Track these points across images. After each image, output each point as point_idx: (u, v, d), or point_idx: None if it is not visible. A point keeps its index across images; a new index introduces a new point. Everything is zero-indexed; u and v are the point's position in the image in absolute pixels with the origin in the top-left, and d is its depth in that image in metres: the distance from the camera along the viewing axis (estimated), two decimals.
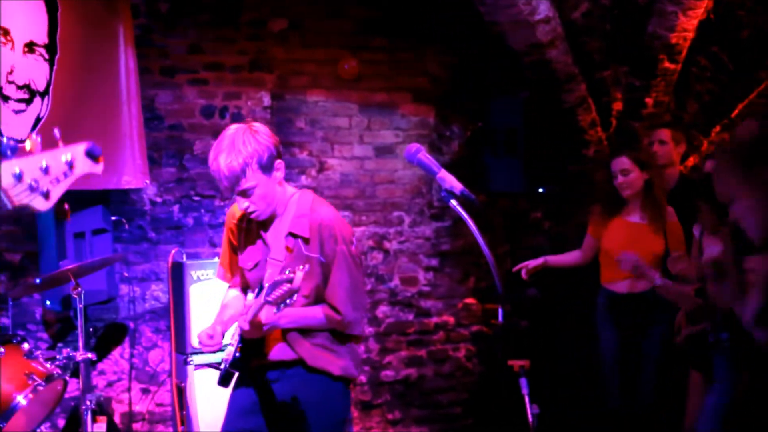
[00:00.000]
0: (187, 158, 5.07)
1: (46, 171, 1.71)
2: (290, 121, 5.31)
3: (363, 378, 5.44)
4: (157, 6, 5.03)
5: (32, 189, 1.69)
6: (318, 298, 2.87)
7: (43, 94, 4.03)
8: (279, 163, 2.82)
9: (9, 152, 1.72)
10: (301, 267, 2.58)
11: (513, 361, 2.85)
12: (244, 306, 2.92)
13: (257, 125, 2.85)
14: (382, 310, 5.51)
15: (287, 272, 2.58)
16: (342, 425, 2.97)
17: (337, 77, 5.39)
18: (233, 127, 2.83)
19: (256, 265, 2.93)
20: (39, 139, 1.74)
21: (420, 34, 5.53)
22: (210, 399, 4.35)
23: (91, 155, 1.81)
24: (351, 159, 5.46)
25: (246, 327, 2.71)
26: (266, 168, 2.76)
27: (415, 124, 5.60)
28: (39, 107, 3.99)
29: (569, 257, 4.78)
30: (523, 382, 2.77)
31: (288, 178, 5.21)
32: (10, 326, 4.64)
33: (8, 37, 3.78)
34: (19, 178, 1.67)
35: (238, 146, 2.73)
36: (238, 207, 2.88)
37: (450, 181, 2.44)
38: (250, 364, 2.88)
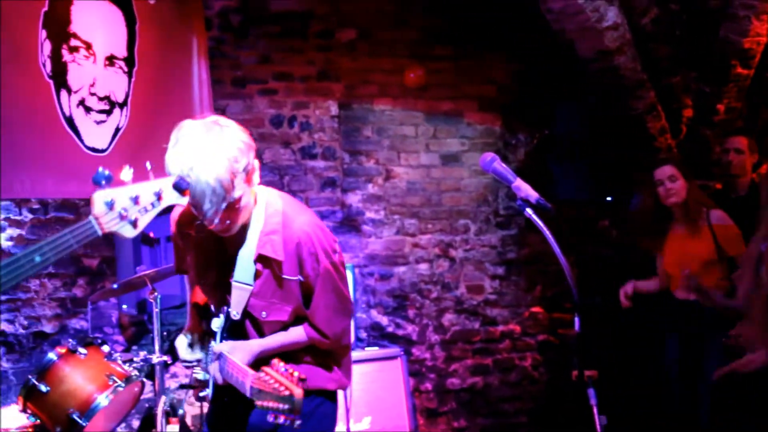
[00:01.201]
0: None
1: (135, 200, 1.80)
2: (357, 129, 5.37)
3: (428, 386, 5.45)
4: (229, 18, 5.16)
5: (122, 217, 1.78)
6: (297, 316, 2.47)
7: (122, 105, 4.16)
8: (256, 163, 2.31)
9: (103, 182, 1.80)
10: (297, 375, 2.08)
11: (579, 370, 2.81)
12: (215, 343, 2.46)
13: (222, 119, 2.30)
14: (448, 318, 5.52)
15: (278, 371, 2.09)
16: None
17: (404, 86, 5.44)
18: (194, 123, 2.24)
19: (214, 284, 2.49)
20: (132, 171, 1.83)
21: (485, 42, 5.53)
22: None
23: (178, 188, 1.88)
24: (417, 167, 5.49)
25: (220, 381, 2.37)
26: (249, 172, 2.25)
27: (481, 132, 5.60)
28: (118, 118, 4.13)
29: (652, 283, 4.69)
30: (591, 392, 2.73)
31: (355, 187, 5.37)
32: (89, 329, 4.81)
33: (90, 51, 3.92)
34: (110, 206, 1.76)
35: (216, 148, 2.15)
36: (207, 223, 2.26)
37: (525, 189, 2.45)
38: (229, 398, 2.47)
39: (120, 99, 4.14)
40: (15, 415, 3.56)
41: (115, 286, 4.07)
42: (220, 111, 5.06)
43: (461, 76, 5.55)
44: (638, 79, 5.17)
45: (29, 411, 3.49)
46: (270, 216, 2.37)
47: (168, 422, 4.12)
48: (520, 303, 5.65)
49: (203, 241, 2.45)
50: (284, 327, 2.46)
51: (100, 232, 1.75)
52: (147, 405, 4.65)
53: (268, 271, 2.37)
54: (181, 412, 4.48)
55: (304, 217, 2.42)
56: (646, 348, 5.08)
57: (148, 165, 1.91)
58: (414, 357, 5.41)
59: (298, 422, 2.06)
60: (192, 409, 5.06)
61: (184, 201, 1.92)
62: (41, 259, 1.63)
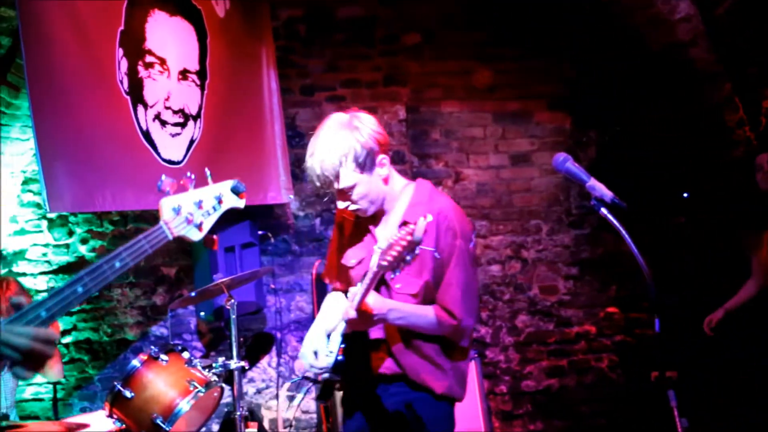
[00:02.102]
0: None
1: (199, 205, 1.91)
2: (425, 133, 5.37)
3: (503, 388, 5.41)
4: (296, 28, 5.24)
5: (188, 221, 1.88)
6: (427, 297, 2.54)
7: (196, 118, 4.26)
8: (382, 158, 2.50)
9: (167, 189, 1.89)
10: (424, 217, 2.21)
11: (660, 371, 2.75)
12: (351, 295, 2.55)
13: (362, 115, 2.53)
14: (522, 319, 5.46)
15: (405, 228, 2.20)
16: None
17: (471, 88, 5.42)
18: (333, 117, 2.53)
19: (360, 262, 2.63)
20: (193, 177, 1.94)
21: (552, 41, 5.47)
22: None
23: (236, 191, 1.99)
24: (486, 168, 5.46)
25: (353, 315, 2.40)
26: (364, 166, 2.45)
27: (550, 131, 5.54)
28: (192, 130, 4.23)
29: (745, 292, 4.54)
30: (671, 394, 2.66)
31: None
32: (169, 336, 4.94)
33: (165, 66, 4.03)
34: (177, 211, 1.86)
35: (332, 142, 2.43)
36: (338, 205, 2.57)
37: (600, 189, 2.40)
38: (353, 376, 2.64)
39: (193, 111, 4.24)
40: (102, 419, 3.68)
41: (192, 294, 4.16)
42: (290, 119, 5.14)
43: (528, 76, 5.50)
44: (713, 71, 5.02)
45: (115, 416, 3.60)
46: (418, 192, 2.59)
47: (246, 426, 4.18)
48: (595, 303, 5.55)
49: (359, 225, 2.67)
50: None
51: (170, 236, 1.84)
52: (225, 409, 4.76)
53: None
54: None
55: (449, 201, 2.61)
56: (730, 348, 4.93)
57: (207, 171, 2.00)
58: (488, 359, 5.38)
59: (416, 251, 2.19)
60: (269, 413, 5.15)
61: (242, 203, 2.02)
62: (120, 265, 1.71)
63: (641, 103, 5.45)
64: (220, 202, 1.96)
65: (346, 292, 2.67)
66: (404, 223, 2.44)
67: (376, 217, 2.62)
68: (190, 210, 1.89)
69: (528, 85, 5.50)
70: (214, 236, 1.95)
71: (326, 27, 5.27)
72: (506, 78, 5.47)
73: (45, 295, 1.60)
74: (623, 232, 2.39)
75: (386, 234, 2.46)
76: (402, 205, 2.58)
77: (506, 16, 5.41)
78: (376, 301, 2.41)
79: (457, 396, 2.63)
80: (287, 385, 5.14)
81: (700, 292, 5.22)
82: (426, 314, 2.51)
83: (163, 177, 1.87)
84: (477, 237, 5.44)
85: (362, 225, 2.66)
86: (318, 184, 2.48)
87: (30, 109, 3.16)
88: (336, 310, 2.62)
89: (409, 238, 2.17)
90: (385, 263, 2.22)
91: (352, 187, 2.46)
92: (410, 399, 2.57)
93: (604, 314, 5.56)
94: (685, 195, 5.54)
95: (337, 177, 2.43)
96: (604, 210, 2.41)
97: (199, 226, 1.91)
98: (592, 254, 5.54)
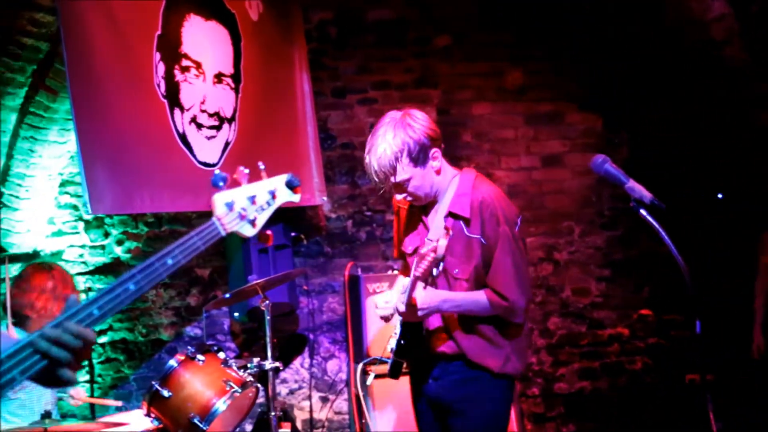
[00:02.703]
0: (359, 175, 5.26)
1: (252, 200, 1.83)
2: (456, 134, 5.38)
3: (535, 390, 5.40)
4: (327, 30, 5.27)
5: (241, 217, 1.80)
6: (478, 281, 2.75)
7: (231, 121, 4.31)
8: (434, 152, 2.74)
9: (221, 183, 1.84)
10: (445, 233, 2.51)
11: (694, 375, 2.73)
12: (402, 287, 2.83)
13: (415, 113, 2.78)
14: (554, 321, 5.45)
15: (429, 241, 2.53)
16: (504, 423, 2.85)
17: (502, 89, 5.41)
18: (389, 116, 2.78)
19: (415, 250, 2.84)
20: (247, 171, 1.87)
21: (583, 42, 5.44)
22: (388, 409, 4.46)
23: (290, 186, 1.93)
24: (518, 170, 5.45)
25: (403, 309, 2.67)
26: (418, 160, 2.70)
27: (582, 133, 5.52)
28: (227, 133, 4.28)
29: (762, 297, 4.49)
30: (707, 397, 2.65)
31: None
32: (203, 336, 4.99)
33: (200, 70, 4.08)
34: (230, 207, 1.79)
35: (388, 140, 2.68)
36: (395, 196, 2.88)
37: (639, 190, 2.40)
38: (413, 356, 2.87)
39: (228, 114, 4.29)
40: (140, 418, 3.72)
41: (227, 295, 4.20)
42: (322, 122, 5.17)
43: (560, 77, 5.48)
44: (748, 70, 4.97)
45: (153, 415, 3.64)
46: (463, 183, 2.80)
47: (280, 426, 4.21)
48: (628, 305, 5.51)
49: (414, 213, 2.93)
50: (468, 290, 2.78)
51: (223, 233, 1.78)
52: (259, 410, 4.79)
53: (458, 228, 2.72)
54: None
55: (492, 188, 2.81)
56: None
57: (261, 165, 1.93)
58: None
59: (441, 266, 2.54)
60: (302, 413, 5.19)
61: (297, 198, 1.98)
62: (173, 262, 1.67)
63: (672, 103, 5.41)
64: (273, 196, 1.88)
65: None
66: (449, 214, 2.74)
67: (428, 206, 2.85)
68: (243, 205, 1.81)
69: (559, 86, 5.48)
70: (269, 231, 1.91)
71: (357, 29, 5.29)
72: (537, 79, 5.45)
73: (96, 293, 1.59)
74: (663, 233, 2.38)
75: (434, 224, 2.81)
76: (449, 196, 2.79)
77: (536, 16, 5.39)
78: (425, 297, 2.64)
79: (515, 373, 2.82)
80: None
81: (735, 294, 5.16)
82: (478, 299, 2.73)
83: (217, 171, 1.81)
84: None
85: (416, 213, 2.91)
86: (376, 179, 2.73)
87: (72, 113, 3.22)
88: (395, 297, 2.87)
89: (432, 255, 2.47)
90: (418, 274, 2.52)
91: (408, 180, 2.71)
92: (469, 377, 2.78)
93: (637, 316, 5.52)
94: (720, 196, 5.49)
95: (393, 172, 2.68)
96: (643, 211, 2.41)
97: (253, 222, 1.84)
98: (624, 256, 5.50)
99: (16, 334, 3.49)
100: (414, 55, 5.33)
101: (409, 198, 2.79)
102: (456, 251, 2.74)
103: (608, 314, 5.50)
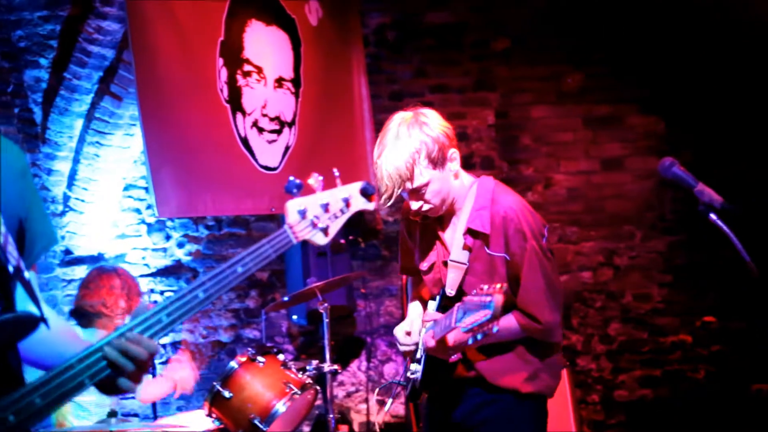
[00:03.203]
0: None
1: (325, 208, 1.78)
2: (515, 138, 5.34)
3: (595, 397, 5.31)
4: (385, 35, 5.29)
5: (313, 225, 1.76)
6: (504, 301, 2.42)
7: (291, 125, 4.36)
8: (453, 152, 2.46)
9: (295, 190, 1.81)
10: (500, 286, 2.15)
11: (761, 384, 2.65)
12: (427, 315, 2.61)
13: (426, 111, 2.52)
14: (614, 327, 5.36)
15: (481, 291, 2.18)
16: None
17: (561, 92, 5.36)
18: (398, 116, 2.50)
19: (431, 267, 2.63)
20: (321, 178, 1.83)
21: (642, 43, 5.34)
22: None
23: (365, 193, 1.86)
24: (577, 174, 5.38)
25: (432, 345, 2.44)
26: (437, 161, 2.41)
27: (642, 135, 5.42)
28: (288, 137, 4.32)
29: None
30: None
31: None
32: (263, 338, 5.04)
33: (262, 75, 4.14)
34: (303, 214, 1.75)
35: (402, 140, 2.39)
36: (410, 206, 2.53)
37: (709, 194, 2.34)
38: (435, 382, 2.63)
39: (288, 118, 4.33)
40: (202, 419, 3.77)
41: (286, 298, 4.24)
42: (379, 125, 5.17)
43: (619, 80, 5.39)
44: None
45: (214, 415, 3.69)
46: (481, 195, 2.50)
47: (337, 429, 4.23)
48: (691, 312, 5.39)
49: (427, 227, 2.63)
50: None
51: (295, 241, 1.75)
52: (316, 412, 4.83)
53: (478, 245, 2.48)
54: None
55: (514, 199, 2.52)
56: None
57: (335, 171, 1.91)
58: (579, 368, 5.29)
59: (495, 329, 2.14)
60: (358, 416, 5.20)
61: (371, 206, 1.91)
62: (243, 270, 1.65)
63: (737, 104, 5.27)
64: (347, 204, 1.82)
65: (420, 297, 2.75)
66: (468, 231, 2.48)
67: (443, 219, 2.57)
68: (316, 213, 1.77)
69: (618, 88, 5.39)
70: (342, 240, 1.89)
71: (415, 33, 5.29)
72: (596, 82, 5.38)
73: (165, 299, 1.59)
74: (734, 238, 2.32)
75: (454, 243, 2.51)
76: (467, 209, 2.51)
77: (596, 18, 5.32)
78: (456, 335, 2.38)
79: (546, 392, 2.58)
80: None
81: None
82: (509, 326, 2.46)
83: (291, 178, 1.78)
84: (567, 243, 5.37)
85: (430, 228, 2.61)
86: (389, 184, 2.40)
87: (139, 119, 3.30)
88: (416, 326, 2.66)
89: (486, 313, 2.12)
90: (465, 328, 2.20)
91: (426, 185, 2.42)
92: (489, 399, 2.54)
93: (700, 323, 5.39)
94: None
95: (410, 176, 2.39)
96: (713, 215, 2.35)
97: (325, 230, 1.78)
98: (687, 261, 5.38)
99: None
100: (472, 59, 5.31)
101: (425, 207, 2.47)
102: (477, 270, 2.50)
103: (670, 321, 5.38)
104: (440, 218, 2.57)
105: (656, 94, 5.39)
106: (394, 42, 5.31)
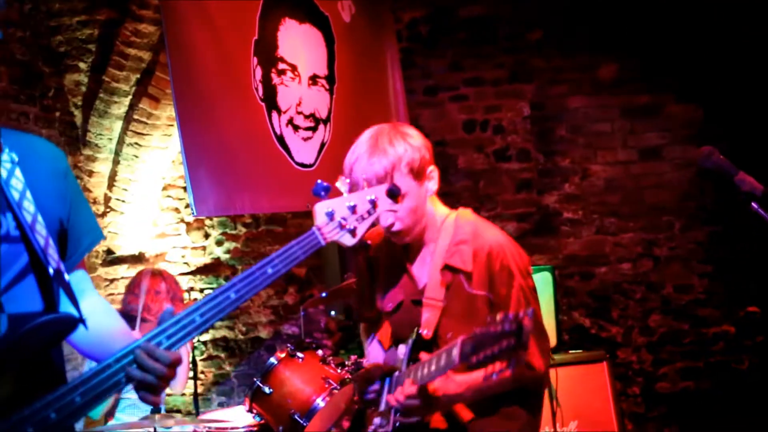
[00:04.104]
0: (452, 173, 5.25)
1: (352, 210, 1.80)
2: (551, 129, 5.30)
3: (636, 389, 5.27)
4: (418, 30, 5.29)
5: (341, 227, 1.78)
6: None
7: (326, 122, 4.38)
8: (432, 171, 2.31)
9: (322, 192, 1.84)
10: (524, 313, 1.76)
11: None
12: (396, 358, 2.23)
13: (405, 126, 2.35)
14: (654, 318, 5.30)
15: (496, 320, 1.78)
16: None
17: (597, 82, 5.30)
18: (376, 127, 2.32)
19: (398, 306, 2.34)
20: (348, 180, 1.86)
21: (678, 31, 5.25)
22: None
23: (392, 195, 1.87)
24: (615, 164, 5.32)
25: (415, 402, 2.06)
26: (417, 174, 2.22)
27: (681, 124, 5.34)
28: (323, 134, 4.35)
29: None
30: None
31: (551, 187, 5.29)
32: (301, 334, 5.08)
33: (296, 72, 4.16)
34: (330, 216, 1.77)
35: (383, 145, 2.20)
36: (381, 222, 2.23)
37: (750, 182, 2.31)
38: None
39: (323, 115, 4.36)
40: (242, 414, 3.82)
41: (324, 294, 4.26)
42: (413, 120, 5.18)
43: (657, 69, 5.31)
44: None
45: (255, 411, 3.73)
46: (460, 227, 2.28)
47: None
48: (734, 302, 5.30)
49: (393, 260, 2.39)
50: None
51: (323, 242, 1.77)
52: (356, 407, 4.85)
53: (456, 283, 2.23)
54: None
55: (498, 234, 2.30)
56: None
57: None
58: (619, 360, 5.24)
59: (522, 352, 1.77)
60: None
61: (398, 207, 1.91)
62: (273, 271, 1.67)
63: None
64: (374, 206, 1.84)
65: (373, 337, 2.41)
66: (446, 266, 2.23)
67: (410, 251, 2.34)
68: (344, 214, 1.79)
69: (656, 77, 5.32)
70: (369, 242, 1.89)
71: (449, 27, 5.28)
72: (633, 71, 5.31)
73: (198, 301, 1.62)
74: None
75: (429, 279, 2.23)
76: (444, 242, 2.26)
77: (630, 7, 5.25)
78: (445, 383, 2.07)
79: None
80: None
81: None
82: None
83: (318, 181, 1.80)
84: (605, 234, 5.32)
85: (396, 259, 2.37)
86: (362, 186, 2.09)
87: (177, 119, 3.34)
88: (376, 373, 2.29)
89: (509, 342, 1.73)
90: (474, 361, 1.82)
91: (403, 196, 2.15)
92: None
93: (743, 313, 5.30)
94: None
95: (387, 180, 2.16)
96: (754, 204, 2.31)
97: (353, 231, 1.80)
98: (729, 251, 5.29)
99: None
100: (506, 51, 5.29)
101: (397, 226, 2.23)
102: (454, 311, 2.22)
103: (712, 312, 5.30)
104: (407, 250, 2.33)
105: (694, 82, 5.30)
106: (427, 36, 5.31)
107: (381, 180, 2.13)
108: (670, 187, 5.31)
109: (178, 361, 1.55)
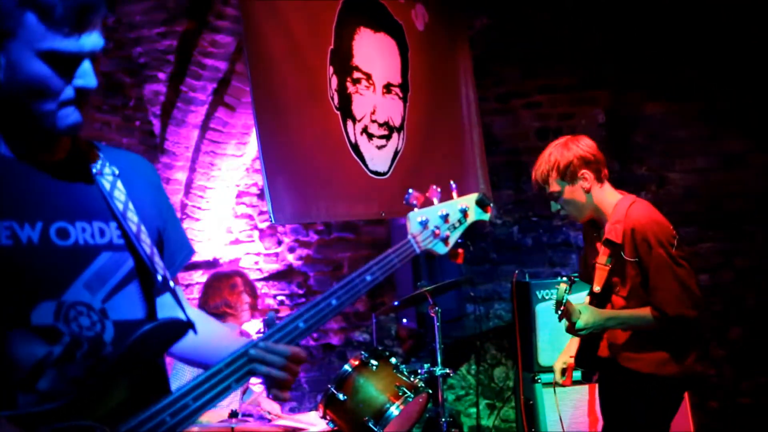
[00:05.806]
0: (524, 180, 5.20)
1: (444, 218, 1.88)
2: (626, 136, 5.19)
3: (714, 404, 5.10)
4: (491, 36, 5.25)
5: (434, 235, 1.86)
6: (637, 298, 3.00)
7: (399, 130, 4.39)
8: (584, 173, 3.07)
9: (414, 202, 1.89)
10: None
11: None
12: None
13: (580, 138, 3.18)
14: (735, 331, 5.13)
15: None
16: (662, 426, 3.06)
17: (674, 87, 5.16)
18: (562, 138, 3.22)
19: (592, 266, 3.16)
20: (438, 189, 1.92)
21: (762, 31, 5.07)
22: (558, 418, 4.36)
23: (481, 204, 1.97)
24: (693, 172, 5.18)
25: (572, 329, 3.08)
26: (565, 177, 3.09)
27: (766, 130, 5.15)
28: (396, 142, 4.36)
29: None
30: None
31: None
32: (371, 341, 5.10)
33: (370, 81, 4.19)
34: (424, 225, 1.84)
35: (545, 158, 3.14)
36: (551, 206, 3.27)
37: None
38: (586, 362, 3.22)
39: (397, 124, 4.37)
40: (316, 420, 3.85)
41: (397, 302, 4.26)
42: (486, 128, 5.15)
43: (739, 69, 5.14)
44: None
45: (329, 417, 3.75)
46: (618, 210, 3.05)
47: None
48: None
49: (589, 233, 3.30)
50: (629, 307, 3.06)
51: (418, 251, 1.83)
52: (426, 415, 4.83)
53: (615, 252, 3.01)
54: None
55: (643, 213, 3.02)
56: None
57: (452, 184, 1.97)
58: None
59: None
60: (468, 420, 5.18)
61: (487, 216, 2.01)
62: (371, 278, 1.74)
63: None
64: (465, 215, 1.92)
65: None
66: (605, 240, 3.04)
67: (599, 227, 3.17)
68: (437, 224, 1.87)
69: (739, 80, 5.15)
70: (460, 249, 1.94)
71: (521, 33, 5.23)
72: (713, 74, 5.16)
73: (300, 307, 1.67)
74: None
75: (600, 249, 3.11)
76: (610, 221, 3.07)
77: (705, 7, 5.09)
78: (588, 316, 2.99)
79: (670, 373, 2.99)
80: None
81: None
82: (643, 315, 2.98)
83: (410, 190, 1.86)
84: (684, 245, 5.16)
85: (591, 233, 3.25)
86: (535, 189, 3.25)
87: (256, 127, 3.39)
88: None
89: None
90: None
91: (557, 194, 3.14)
92: (618, 381, 3.09)
93: None
94: None
95: (545, 185, 3.16)
96: None
97: (445, 240, 1.88)
98: None
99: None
100: (581, 56, 5.20)
101: (563, 212, 3.21)
102: (615, 272, 3.06)
103: None
104: (596, 227, 3.17)
105: None
106: (500, 43, 5.27)
107: (542, 183, 3.15)
108: (753, 196, 5.12)
109: (298, 355, 1.60)
